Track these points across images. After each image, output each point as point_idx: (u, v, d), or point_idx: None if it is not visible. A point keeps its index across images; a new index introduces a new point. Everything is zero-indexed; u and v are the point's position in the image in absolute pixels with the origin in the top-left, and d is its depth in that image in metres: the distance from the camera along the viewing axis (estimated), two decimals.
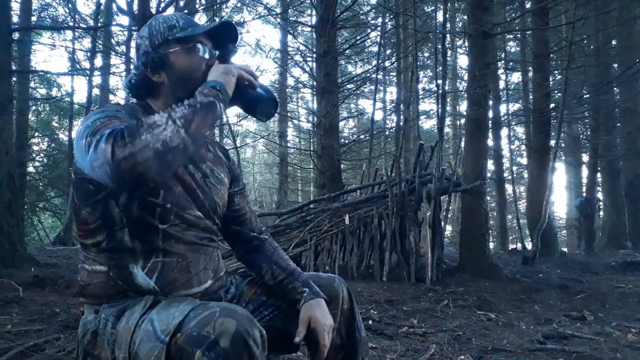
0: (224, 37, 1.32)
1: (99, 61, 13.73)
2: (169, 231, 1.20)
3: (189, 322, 0.99)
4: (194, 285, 1.22)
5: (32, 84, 14.00)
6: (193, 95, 1.18)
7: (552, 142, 9.53)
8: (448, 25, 9.91)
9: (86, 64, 13.00)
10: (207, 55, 1.28)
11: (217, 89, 1.15)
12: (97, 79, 13.57)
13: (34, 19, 11.47)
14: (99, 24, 12.02)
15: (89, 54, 12.56)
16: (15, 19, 10.44)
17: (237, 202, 1.46)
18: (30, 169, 14.19)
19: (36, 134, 14.75)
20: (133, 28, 8.85)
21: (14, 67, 6.90)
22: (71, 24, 11.20)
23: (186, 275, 1.21)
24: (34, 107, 14.69)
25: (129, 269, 1.16)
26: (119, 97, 15.05)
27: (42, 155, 15.70)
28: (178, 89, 1.26)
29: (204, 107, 1.09)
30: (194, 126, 1.05)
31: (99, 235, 1.18)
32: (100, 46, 11.72)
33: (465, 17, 10.87)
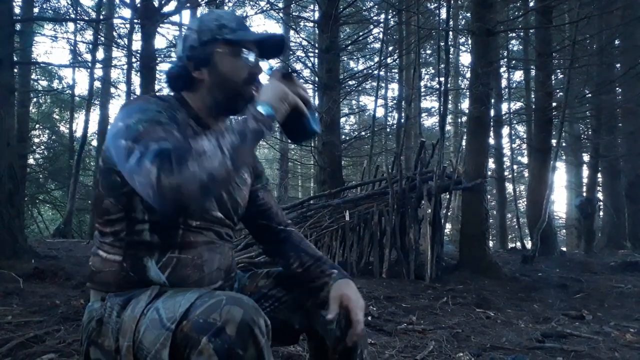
0: (271, 46, 1.31)
1: (100, 54, 13.74)
2: (189, 230, 1.21)
3: (195, 309, 0.99)
4: (205, 284, 1.22)
5: (33, 76, 14.00)
6: (231, 98, 1.23)
7: (554, 142, 9.53)
8: (451, 22, 9.90)
9: (88, 57, 13.00)
10: (252, 63, 1.27)
11: (270, 117, 1.11)
12: (98, 72, 13.56)
13: (35, 10, 11.45)
14: (101, 17, 12.00)
15: (90, 46, 12.55)
16: (17, 10, 10.42)
17: (261, 197, 1.47)
18: (31, 161, 14.20)
19: (37, 126, 14.75)
20: (135, 21, 8.82)
21: (15, 59, 6.88)
22: (73, 16, 11.17)
23: (199, 273, 1.21)
24: (35, 99, 14.69)
25: (144, 262, 1.16)
26: (121, 90, 15.05)
27: (42, 147, 15.72)
28: (216, 89, 1.26)
29: (253, 137, 1.07)
30: (241, 157, 1.04)
31: (118, 226, 1.19)
32: (102, 39, 11.70)
33: (469, 14, 10.85)
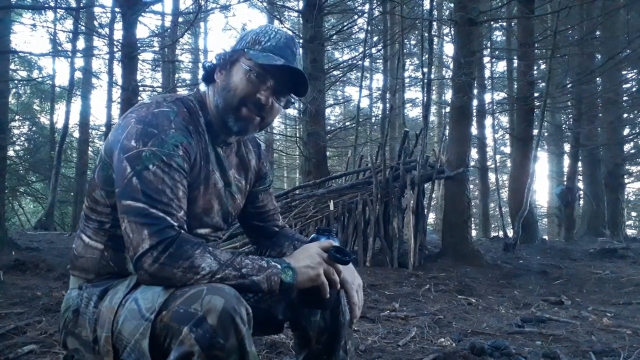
0: (292, 82, 1.26)
1: (81, 43, 13.47)
2: None
3: (175, 299, 0.99)
4: None
5: (12, 66, 13.67)
6: (225, 110, 1.19)
7: (535, 131, 9.63)
8: (435, 12, 9.92)
9: (68, 46, 12.76)
10: (262, 88, 1.22)
11: (287, 284, 1.09)
12: (79, 62, 13.34)
13: None
14: (81, 5, 11.75)
15: (71, 35, 12.31)
16: None
17: (261, 199, 1.48)
18: (11, 152, 13.93)
19: (16, 117, 14.46)
20: (116, 9, 8.68)
21: None
22: (52, 4, 10.91)
23: None
24: (14, 90, 14.39)
25: (124, 254, 1.16)
26: (103, 80, 14.83)
27: (22, 138, 15.42)
28: (220, 95, 1.23)
29: (252, 286, 1.05)
30: (224, 283, 1.03)
31: (104, 217, 1.19)
32: (83, 28, 11.48)
33: (452, 5, 10.87)
